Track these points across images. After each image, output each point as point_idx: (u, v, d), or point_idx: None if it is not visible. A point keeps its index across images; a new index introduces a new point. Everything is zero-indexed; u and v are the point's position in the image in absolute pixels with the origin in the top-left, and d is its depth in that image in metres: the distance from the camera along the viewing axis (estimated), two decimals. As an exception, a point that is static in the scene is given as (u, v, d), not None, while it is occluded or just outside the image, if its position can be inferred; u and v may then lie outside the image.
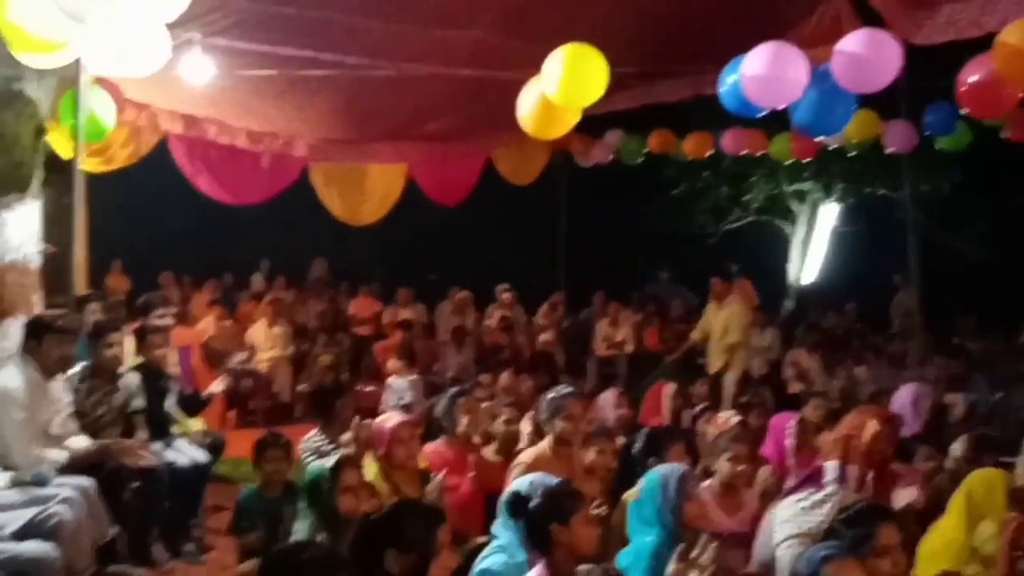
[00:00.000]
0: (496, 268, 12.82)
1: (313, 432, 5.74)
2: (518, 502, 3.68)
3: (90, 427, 5.42)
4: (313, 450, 5.53)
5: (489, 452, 5.75)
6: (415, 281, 13.19)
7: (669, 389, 7.14)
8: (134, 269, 12.53)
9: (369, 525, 3.54)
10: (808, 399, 6.86)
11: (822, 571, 3.50)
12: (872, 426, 4.73)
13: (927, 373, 9.05)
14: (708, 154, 11.31)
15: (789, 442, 5.65)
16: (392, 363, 8.91)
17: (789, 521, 4.30)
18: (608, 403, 6.59)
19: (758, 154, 11.03)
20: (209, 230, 14.02)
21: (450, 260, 14.72)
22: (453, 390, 6.02)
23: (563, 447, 5.03)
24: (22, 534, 4.32)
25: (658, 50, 7.96)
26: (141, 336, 6.23)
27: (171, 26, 5.06)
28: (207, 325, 10.24)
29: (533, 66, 5.92)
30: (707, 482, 4.78)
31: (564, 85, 5.76)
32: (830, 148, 10.36)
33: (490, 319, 11.88)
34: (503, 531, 3.82)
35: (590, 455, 5.02)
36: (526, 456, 5.04)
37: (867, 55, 5.43)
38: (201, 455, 5.97)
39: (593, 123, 9.64)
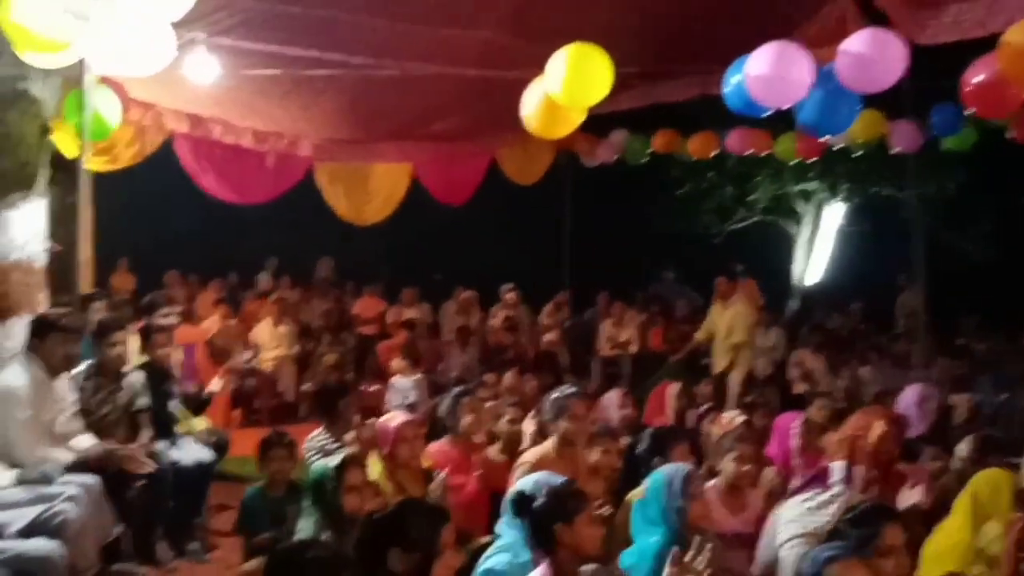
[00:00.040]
0: (501, 268, 12.80)
1: (317, 431, 5.75)
2: (522, 501, 3.68)
3: (95, 425, 5.44)
4: (317, 449, 5.53)
5: (493, 452, 5.76)
6: (420, 281, 13.18)
7: (673, 389, 7.15)
8: (140, 268, 12.54)
9: (373, 524, 3.54)
10: (813, 399, 6.86)
11: (826, 571, 3.50)
12: (879, 427, 4.73)
13: (932, 374, 9.04)
14: (713, 154, 11.28)
15: (794, 442, 5.64)
16: (396, 363, 8.92)
17: (794, 521, 4.30)
18: (612, 403, 6.59)
19: (763, 154, 11.00)
20: (214, 230, 14.02)
21: (455, 260, 14.71)
22: (457, 390, 6.02)
23: (567, 447, 5.02)
24: (27, 532, 4.34)
25: (663, 50, 7.95)
26: (145, 335, 6.23)
27: (176, 25, 5.07)
28: (212, 324, 10.25)
29: (538, 66, 5.92)
30: (711, 482, 4.77)
31: (568, 85, 5.76)
32: (835, 148, 10.35)
33: (494, 319, 11.88)
34: (507, 530, 3.82)
35: (594, 455, 5.02)
36: (530, 456, 5.03)
37: (872, 55, 5.41)
38: (205, 454, 5.97)
39: (598, 123, 9.63)
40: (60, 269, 6.31)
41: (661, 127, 11.29)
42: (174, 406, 6.13)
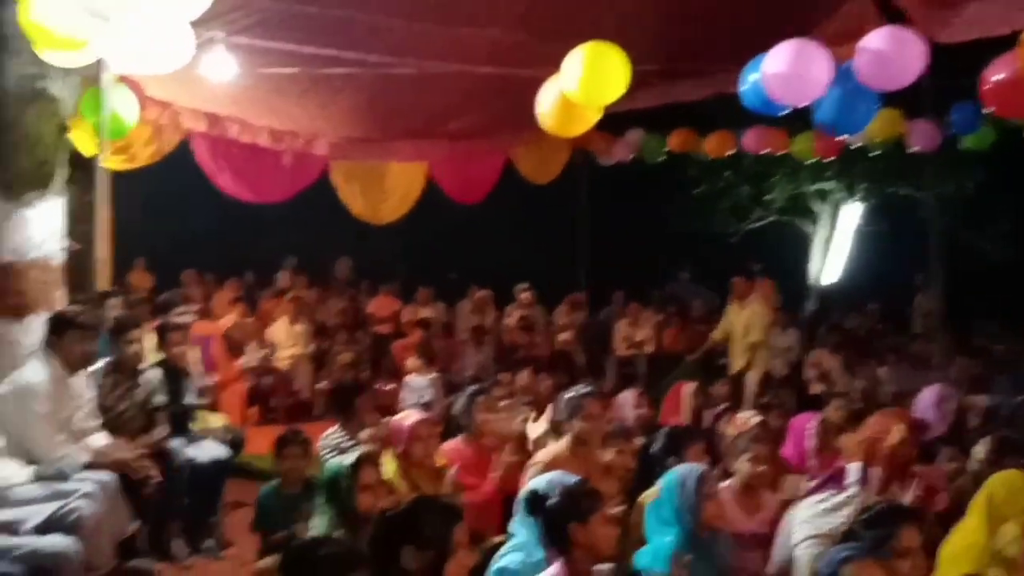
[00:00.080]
0: (516, 267, 12.79)
1: (332, 429, 5.78)
2: (536, 500, 3.68)
3: (112, 422, 5.49)
4: (332, 447, 5.56)
5: (507, 451, 5.74)
6: (436, 280, 13.19)
7: (689, 388, 7.12)
8: (157, 267, 12.59)
9: (387, 521, 3.54)
10: (830, 400, 6.82)
11: (842, 572, 3.49)
12: (899, 431, 4.70)
13: (949, 374, 8.97)
14: (729, 153, 11.25)
15: (809, 443, 5.61)
16: (411, 361, 8.93)
17: (808, 522, 4.29)
18: (628, 403, 6.58)
19: (780, 153, 10.97)
20: (231, 228, 14.06)
21: (470, 259, 14.70)
22: (472, 389, 6.02)
23: (581, 446, 5.02)
24: (44, 528, 4.37)
25: (679, 49, 7.93)
26: (161, 333, 6.27)
27: (194, 24, 5.09)
28: (228, 322, 10.28)
29: (554, 64, 5.91)
30: (726, 482, 4.76)
31: (585, 83, 5.75)
32: (853, 147, 10.28)
33: (509, 318, 11.87)
34: (521, 529, 3.82)
35: (608, 455, 5.01)
36: (543, 455, 5.03)
37: (890, 53, 5.38)
38: (221, 451, 6.00)
39: (614, 121, 9.62)
40: (78, 267, 6.35)
41: (677, 126, 11.26)
42: (191, 403, 6.16)
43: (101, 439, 5.25)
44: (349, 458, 4.35)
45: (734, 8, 7.18)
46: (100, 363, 5.58)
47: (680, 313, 12.72)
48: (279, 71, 7.81)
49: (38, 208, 5.49)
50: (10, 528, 4.29)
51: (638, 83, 6.10)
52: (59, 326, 5.07)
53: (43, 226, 5.52)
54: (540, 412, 6.34)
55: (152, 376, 5.85)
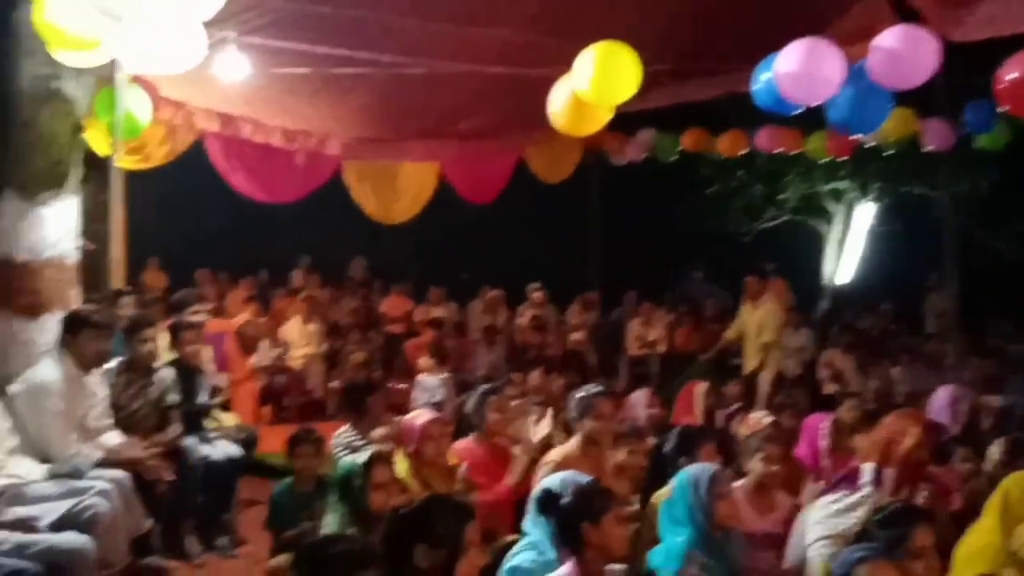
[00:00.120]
0: (528, 267, 12.80)
1: (345, 428, 5.80)
2: (549, 499, 3.68)
3: (126, 420, 5.51)
4: (345, 445, 5.58)
5: (518, 451, 5.74)
6: (448, 279, 13.21)
7: (701, 388, 7.10)
8: (171, 266, 12.65)
9: (399, 520, 3.54)
10: (843, 400, 6.79)
11: (856, 572, 3.48)
12: (915, 433, 4.67)
13: (963, 374, 8.93)
14: (742, 152, 11.24)
15: (823, 443, 5.60)
16: (423, 361, 8.95)
17: (822, 522, 4.27)
18: (640, 403, 6.57)
19: (793, 152, 10.94)
20: (245, 228, 14.11)
21: (482, 259, 14.70)
22: (483, 388, 6.02)
23: (592, 446, 5.02)
24: (58, 526, 4.40)
25: (691, 48, 7.91)
26: (174, 332, 6.29)
27: (207, 24, 5.11)
28: (241, 320, 10.32)
29: (566, 64, 5.91)
30: (739, 482, 4.74)
31: (596, 83, 5.74)
32: (866, 146, 10.25)
33: (521, 318, 11.87)
34: (533, 528, 3.81)
35: (621, 455, 5.01)
36: (555, 455, 5.03)
37: (904, 51, 5.36)
38: (235, 450, 6.02)
39: (626, 121, 9.61)
40: (92, 266, 6.37)
41: (690, 125, 11.25)
42: (204, 402, 6.19)
43: (115, 437, 5.28)
44: (361, 457, 4.37)
45: (746, 7, 7.15)
46: (114, 362, 5.61)
47: (693, 313, 12.70)
48: (292, 71, 7.83)
49: (53, 207, 5.51)
50: (25, 525, 4.31)
51: (650, 83, 6.10)
52: (73, 325, 5.10)
53: (58, 225, 5.54)
54: (556, 411, 6.34)
55: (166, 375, 5.88)
